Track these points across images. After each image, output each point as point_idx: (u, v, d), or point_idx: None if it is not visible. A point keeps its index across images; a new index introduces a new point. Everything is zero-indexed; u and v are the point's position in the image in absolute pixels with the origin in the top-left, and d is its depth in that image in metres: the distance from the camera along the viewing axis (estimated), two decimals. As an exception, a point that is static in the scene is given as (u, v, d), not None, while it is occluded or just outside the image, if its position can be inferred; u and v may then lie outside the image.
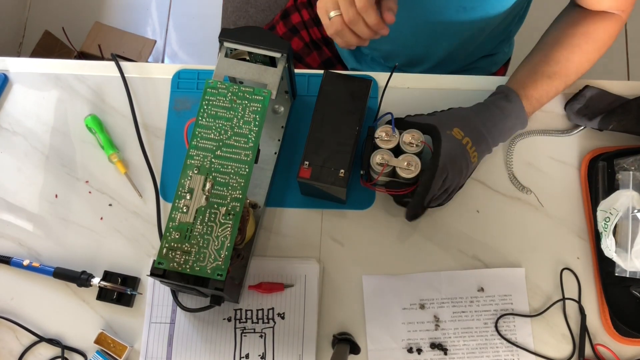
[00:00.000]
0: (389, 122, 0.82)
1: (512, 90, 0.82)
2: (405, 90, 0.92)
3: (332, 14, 0.71)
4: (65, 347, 0.82)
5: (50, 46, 1.70)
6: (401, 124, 0.83)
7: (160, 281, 0.72)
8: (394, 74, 0.92)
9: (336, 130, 0.81)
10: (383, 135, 0.81)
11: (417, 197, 0.78)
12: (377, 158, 0.80)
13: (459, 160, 0.78)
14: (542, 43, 0.87)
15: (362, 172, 0.81)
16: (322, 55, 1.15)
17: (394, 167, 0.80)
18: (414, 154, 0.80)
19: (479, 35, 0.97)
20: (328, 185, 0.78)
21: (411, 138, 0.81)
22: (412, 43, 0.99)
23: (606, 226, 0.80)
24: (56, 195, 0.88)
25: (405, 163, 0.79)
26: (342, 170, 0.78)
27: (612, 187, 0.84)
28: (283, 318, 0.83)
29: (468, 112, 0.82)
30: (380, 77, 0.93)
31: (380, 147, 0.81)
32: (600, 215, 0.82)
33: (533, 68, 0.85)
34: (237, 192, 0.73)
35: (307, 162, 0.79)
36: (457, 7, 0.88)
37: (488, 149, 0.82)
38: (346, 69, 1.15)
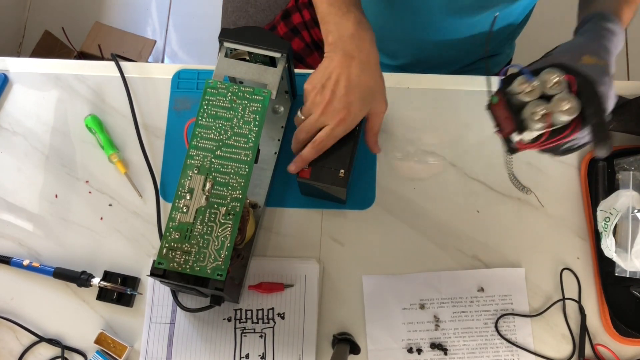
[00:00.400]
0: (508, 79, 0.70)
1: (607, 13, 0.75)
2: (405, 90, 0.92)
3: (299, 115, 0.78)
4: (65, 347, 0.82)
5: (50, 46, 1.70)
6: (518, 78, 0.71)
7: (160, 281, 0.72)
8: (394, 74, 0.92)
9: None
10: (525, 87, 0.67)
11: (601, 129, 0.66)
12: (537, 111, 0.66)
13: (607, 81, 0.68)
14: None
15: (508, 146, 0.69)
16: (323, 55, 1.15)
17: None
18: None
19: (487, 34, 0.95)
20: (328, 186, 0.78)
21: (555, 76, 0.67)
22: (419, 43, 0.99)
23: (606, 226, 0.80)
24: (56, 195, 0.88)
25: (564, 103, 0.66)
26: (342, 170, 0.78)
27: (612, 187, 0.84)
28: (283, 318, 0.83)
29: (583, 41, 0.74)
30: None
31: (526, 101, 0.67)
32: (600, 215, 0.82)
33: None
34: (237, 192, 0.73)
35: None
36: (473, 4, 0.86)
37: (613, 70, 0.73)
38: None
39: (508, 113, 0.68)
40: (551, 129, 0.68)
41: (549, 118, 0.66)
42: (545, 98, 0.67)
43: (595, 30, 0.75)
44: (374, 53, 0.77)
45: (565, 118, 0.66)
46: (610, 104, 0.67)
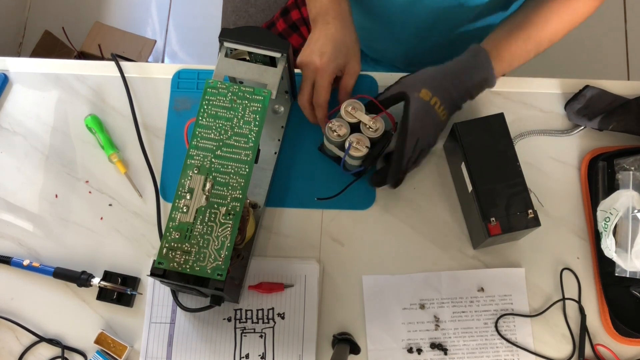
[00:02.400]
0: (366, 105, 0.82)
1: (482, 49, 0.82)
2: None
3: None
4: (65, 347, 0.82)
5: (50, 46, 1.69)
6: (373, 106, 0.82)
7: (160, 281, 0.72)
8: (393, 73, 0.92)
9: (500, 175, 0.78)
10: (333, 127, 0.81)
11: (395, 164, 0.79)
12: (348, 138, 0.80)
13: (427, 120, 0.79)
14: (524, 5, 0.87)
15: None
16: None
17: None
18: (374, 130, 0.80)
19: (473, 27, 0.96)
20: (522, 231, 0.77)
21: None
22: (405, 39, 0.99)
23: (606, 226, 0.80)
24: (56, 195, 0.88)
25: (355, 141, 0.79)
26: (530, 211, 0.76)
27: (612, 187, 0.84)
28: (283, 318, 0.82)
29: (435, 72, 0.82)
30: (381, 77, 0.92)
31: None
32: (600, 215, 0.82)
33: (509, 29, 0.84)
34: (237, 192, 0.73)
35: (492, 219, 0.76)
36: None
37: (456, 106, 0.82)
38: None
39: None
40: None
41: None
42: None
43: (455, 66, 0.82)
44: (349, 19, 0.84)
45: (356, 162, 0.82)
46: (410, 147, 0.79)
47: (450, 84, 0.80)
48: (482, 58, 0.81)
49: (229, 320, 0.83)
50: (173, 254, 0.71)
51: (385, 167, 0.83)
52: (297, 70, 0.89)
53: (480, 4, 0.89)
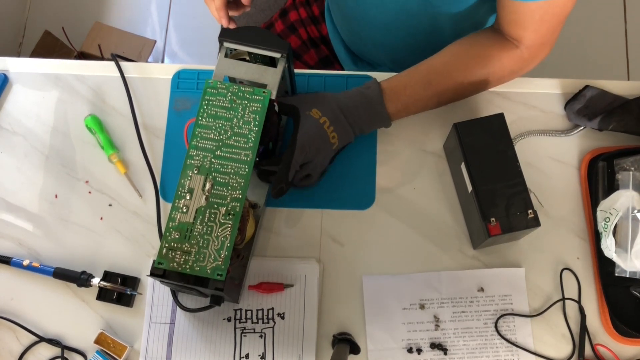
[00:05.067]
0: None
1: (376, 86, 0.82)
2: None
3: None
4: (65, 347, 0.82)
5: (50, 46, 1.69)
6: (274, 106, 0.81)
7: (160, 281, 0.72)
8: (390, 74, 0.92)
9: (501, 175, 0.78)
10: None
11: (280, 174, 0.79)
12: None
13: (317, 137, 0.80)
14: (438, 53, 0.85)
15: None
16: (319, 53, 1.15)
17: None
18: None
19: (447, 29, 0.96)
20: (522, 231, 0.77)
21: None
22: (388, 43, 1.00)
23: (606, 226, 0.80)
24: (56, 195, 0.88)
25: None
26: (530, 211, 0.76)
27: (612, 187, 0.84)
28: (283, 318, 0.83)
29: (329, 96, 0.83)
30: (381, 77, 0.92)
31: None
32: (600, 215, 0.82)
33: (413, 73, 0.84)
34: (237, 192, 0.73)
35: (492, 219, 0.76)
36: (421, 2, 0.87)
37: (347, 134, 0.83)
38: (342, 69, 1.15)
39: None
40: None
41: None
42: None
43: (347, 95, 0.83)
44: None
45: None
46: (298, 160, 0.80)
47: (340, 113, 0.81)
48: (375, 95, 0.82)
49: (229, 320, 0.83)
50: (173, 254, 0.71)
51: (267, 168, 0.83)
52: (297, 71, 0.89)
53: (455, 12, 0.88)
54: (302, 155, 0.80)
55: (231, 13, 0.82)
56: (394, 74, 0.89)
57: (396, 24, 0.94)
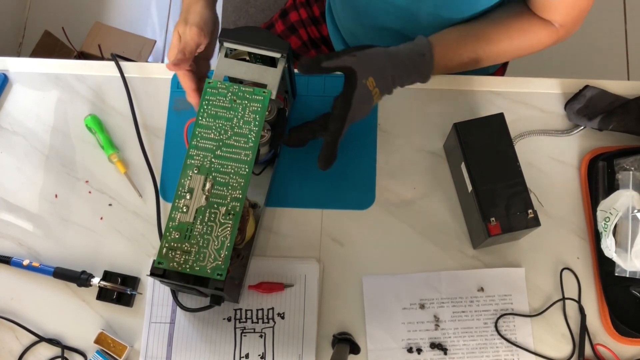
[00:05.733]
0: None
1: (431, 52, 0.83)
2: (403, 90, 0.92)
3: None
4: (65, 347, 0.82)
5: (50, 46, 1.69)
6: (316, 67, 0.77)
7: (160, 281, 0.72)
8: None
9: (500, 175, 0.78)
10: None
11: (329, 146, 0.77)
12: None
13: (365, 106, 0.79)
14: (484, 17, 0.87)
15: None
16: (320, 53, 1.15)
17: None
18: None
19: None
20: (522, 231, 0.77)
21: None
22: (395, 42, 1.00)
23: (606, 226, 0.80)
24: (56, 195, 0.89)
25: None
26: (530, 211, 0.76)
27: (612, 187, 0.84)
28: (283, 318, 0.83)
29: (385, 64, 0.80)
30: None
31: None
32: (600, 215, 0.82)
33: (464, 36, 0.86)
34: (237, 192, 0.73)
35: (492, 219, 0.76)
36: (428, 12, 0.88)
37: (389, 93, 0.82)
38: None
39: None
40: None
41: None
42: None
43: (403, 65, 0.81)
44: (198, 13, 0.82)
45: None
46: (346, 128, 0.77)
47: (391, 78, 0.80)
48: (428, 61, 0.82)
49: (229, 320, 0.83)
50: (173, 253, 0.71)
51: (304, 132, 0.81)
52: (297, 71, 0.89)
53: (462, 19, 0.89)
54: (351, 123, 0.78)
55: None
56: (422, 37, 0.87)
57: (404, 32, 0.94)
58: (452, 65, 0.86)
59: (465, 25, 0.87)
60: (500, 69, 1.15)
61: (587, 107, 0.88)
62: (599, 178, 0.85)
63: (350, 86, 0.77)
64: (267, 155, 0.83)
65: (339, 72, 0.77)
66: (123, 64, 0.94)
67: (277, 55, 0.77)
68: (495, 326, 0.82)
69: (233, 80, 0.82)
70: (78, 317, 0.83)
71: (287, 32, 1.15)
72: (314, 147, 0.90)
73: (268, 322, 0.83)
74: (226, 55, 0.79)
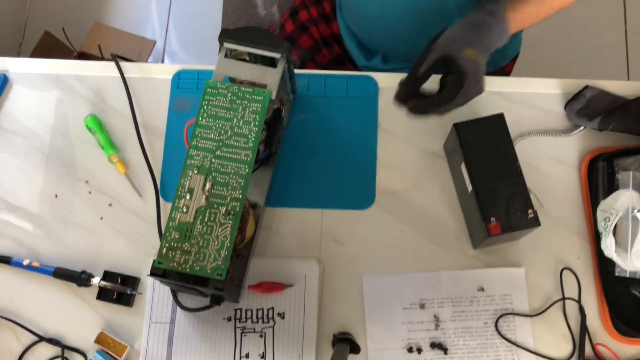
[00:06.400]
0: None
1: (502, 11, 0.81)
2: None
3: None
4: (65, 347, 0.82)
5: (50, 46, 1.69)
6: (418, 85, 0.78)
7: (160, 281, 0.72)
8: (395, 74, 0.92)
9: (500, 175, 0.78)
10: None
11: (444, 104, 0.76)
12: None
13: (480, 75, 0.77)
14: None
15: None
16: (331, 52, 1.14)
17: None
18: None
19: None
20: (522, 231, 0.77)
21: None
22: (406, 35, 0.99)
23: (606, 226, 0.80)
24: (56, 195, 0.89)
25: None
26: (530, 211, 0.77)
27: (612, 187, 0.84)
28: (283, 318, 0.83)
29: (466, 29, 0.80)
30: (381, 77, 0.93)
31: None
32: (600, 215, 0.82)
33: None
34: (237, 192, 0.73)
35: (492, 219, 0.76)
36: None
37: (489, 53, 0.80)
38: (356, 66, 1.14)
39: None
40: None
41: None
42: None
43: (480, 27, 0.80)
44: None
45: None
46: (480, 90, 0.77)
47: (482, 39, 0.79)
48: (501, 21, 0.80)
49: (229, 320, 0.83)
50: (173, 253, 0.71)
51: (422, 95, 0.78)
52: (296, 71, 0.89)
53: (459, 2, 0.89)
54: (471, 97, 0.77)
55: None
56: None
57: (406, 17, 0.94)
58: (523, 21, 0.83)
59: None
60: (509, 64, 1.13)
61: (587, 107, 0.88)
62: (599, 178, 0.85)
63: (454, 66, 0.76)
64: (263, 154, 0.83)
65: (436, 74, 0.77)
66: (123, 64, 0.94)
67: (277, 55, 0.77)
68: (496, 326, 0.82)
69: (233, 80, 0.82)
70: (78, 317, 0.83)
71: (298, 32, 1.13)
72: (314, 147, 0.90)
73: (268, 322, 0.83)
74: (226, 56, 0.79)
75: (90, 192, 0.89)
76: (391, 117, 0.91)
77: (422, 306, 0.83)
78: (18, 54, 1.83)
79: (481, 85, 0.78)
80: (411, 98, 0.78)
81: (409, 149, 0.89)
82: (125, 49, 1.67)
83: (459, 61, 0.76)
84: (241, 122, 0.75)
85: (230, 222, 0.72)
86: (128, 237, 0.87)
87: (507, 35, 0.82)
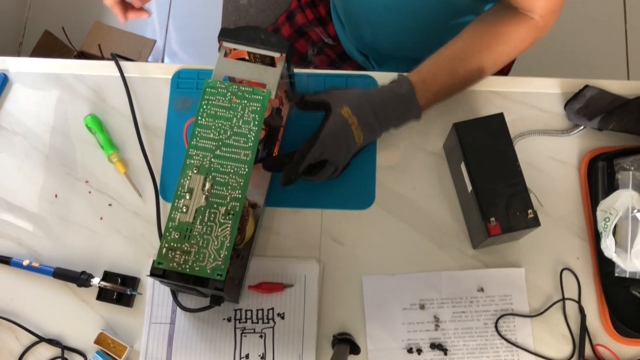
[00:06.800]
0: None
1: (407, 81, 0.82)
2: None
3: None
4: (65, 347, 0.82)
5: (50, 46, 1.69)
6: (301, 102, 0.83)
7: (160, 281, 0.72)
8: (393, 73, 0.92)
9: (500, 175, 0.78)
10: None
11: (292, 163, 0.80)
12: None
13: (340, 137, 0.80)
14: (456, 37, 0.86)
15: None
16: (330, 56, 1.14)
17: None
18: None
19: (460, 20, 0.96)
20: (522, 231, 0.77)
21: None
22: (400, 37, 0.99)
23: (606, 226, 0.80)
24: (56, 195, 0.88)
25: None
26: (530, 211, 0.77)
27: (612, 187, 0.84)
28: (283, 318, 0.82)
29: (361, 94, 0.82)
30: (381, 76, 0.92)
31: None
32: (600, 215, 0.82)
33: (438, 61, 0.85)
34: (237, 191, 0.73)
35: (492, 219, 0.76)
36: None
37: (374, 132, 0.83)
38: (355, 66, 1.14)
39: None
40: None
41: None
42: None
43: (380, 94, 0.83)
44: None
45: None
46: (314, 154, 0.80)
47: (372, 112, 0.81)
48: (407, 91, 0.82)
49: (229, 320, 0.83)
50: (173, 254, 0.71)
51: (282, 157, 0.83)
52: (296, 70, 0.89)
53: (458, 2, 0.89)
54: (320, 151, 0.80)
55: (131, 17, 0.85)
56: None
57: (397, 7, 0.94)
58: (437, 91, 0.84)
59: (438, 51, 0.85)
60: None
61: (587, 107, 0.88)
62: (599, 178, 0.85)
63: (326, 116, 0.81)
64: (262, 154, 0.83)
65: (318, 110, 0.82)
66: (123, 63, 0.94)
67: (276, 54, 0.77)
68: (496, 326, 0.82)
69: (233, 80, 0.82)
70: (78, 317, 0.83)
71: (295, 36, 1.13)
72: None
73: (268, 322, 0.83)
74: (226, 55, 0.78)
75: (90, 192, 0.89)
76: (391, 117, 0.91)
77: (422, 306, 0.83)
78: (18, 53, 1.84)
79: (340, 146, 0.80)
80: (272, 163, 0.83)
81: (409, 149, 0.89)
82: (125, 49, 1.67)
83: (332, 112, 0.80)
84: (241, 122, 0.75)
85: (230, 222, 0.72)
86: (128, 237, 0.87)
87: (417, 109, 0.83)
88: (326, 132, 0.79)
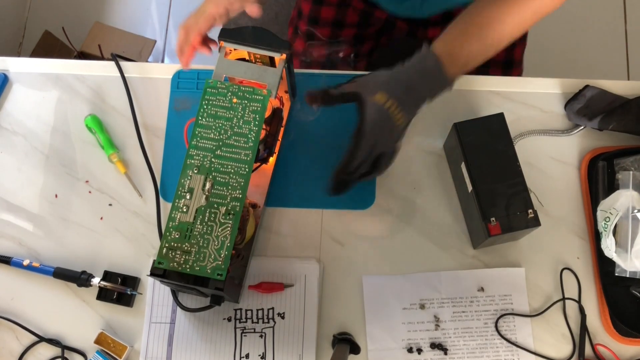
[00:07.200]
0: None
1: (431, 54, 0.78)
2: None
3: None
4: (65, 347, 0.82)
5: (50, 46, 1.69)
6: (326, 97, 0.78)
7: (160, 281, 0.72)
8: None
9: (501, 175, 0.78)
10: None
11: (342, 166, 0.76)
12: None
13: (384, 124, 0.76)
14: (478, 0, 0.82)
15: None
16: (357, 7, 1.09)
17: None
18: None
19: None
20: (522, 231, 0.77)
21: None
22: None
23: (606, 226, 0.80)
24: (56, 195, 0.88)
25: None
26: (530, 211, 0.77)
27: (612, 187, 0.84)
28: (283, 318, 0.83)
29: (389, 77, 0.78)
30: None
31: None
32: (600, 215, 0.82)
33: (464, 27, 0.81)
34: (237, 191, 0.73)
35: (492, 219, 0.76)
36: None
37: (412, 111, 0.79)
38: (403, 27, 1.09)
39: None
40: None
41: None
42: None
43: (407, 72, 0.78)
44: None
45: None
46: (365, 150, 0.75)
47: (405, 92, 0.77)
48: (433, 66, 0.78)
49: (229, 320, 0.83)
50: (173, 253, 0.71)
51: (336, 172, 0.78)
52: (297, 70, 0.89)
53: None
54: (369, 144, 0.75)
55: (201, 51, 0.82)
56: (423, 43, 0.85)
57: None
58: (466, 60, 0.80)
59: (461, 17, 0.81)
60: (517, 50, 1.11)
61: (587, 107, 0.88)
62: (599, 178, 0.85)
63: (360, 109, 0.76)
64: (263, 154, 0.83)
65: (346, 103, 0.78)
66: (123, 64, 0.94)
67: (277, 55, 0.77)
68: (496, 326, 0.82)
69: (233, 80, 0.82)
70: (78, 317, 0.83)
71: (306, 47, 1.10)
72: (313, 147, 0.90)
73: (268, 322, 0.83)
74: (226, 55, 0.78)
75: (90, 192, 0.89)
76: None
77: (422, 306, 0.83)
78: (18, 53, 1.83)
79: (388, 133, 0.76)
80: None
81: (409, 149, 0.89)
82: (125, 49, 1.66)
83: (364, 102, 0.75)
84: (241, 122, 0.75)
85: (230, 222, 0.72)
86: (128, 237, 0.87)
87: (445, 80, 0.78)
88: (369, 123, 0.75)
